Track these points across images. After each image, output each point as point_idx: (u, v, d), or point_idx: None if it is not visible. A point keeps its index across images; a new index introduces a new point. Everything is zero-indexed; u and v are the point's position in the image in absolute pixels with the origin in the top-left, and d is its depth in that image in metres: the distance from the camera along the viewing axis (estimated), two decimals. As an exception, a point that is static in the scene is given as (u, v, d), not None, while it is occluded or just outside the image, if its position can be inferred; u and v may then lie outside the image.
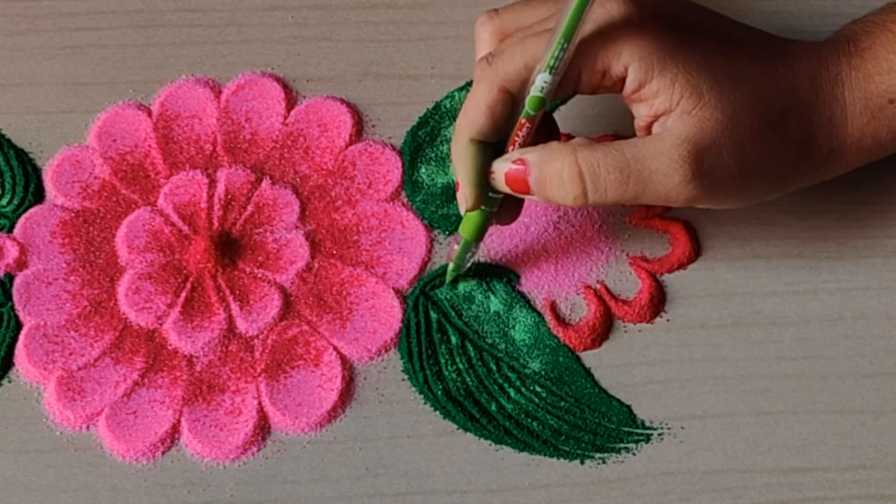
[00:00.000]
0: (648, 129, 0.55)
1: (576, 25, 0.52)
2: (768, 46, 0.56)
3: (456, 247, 0.59)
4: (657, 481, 0.57)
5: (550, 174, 0.54)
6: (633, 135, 0.56)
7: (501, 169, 0.55)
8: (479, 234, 0.58)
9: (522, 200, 0.58)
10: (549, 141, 0.55)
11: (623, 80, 0.54)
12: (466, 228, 0.58)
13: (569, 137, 0.64)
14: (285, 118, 0.65)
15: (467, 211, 0.57)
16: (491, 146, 0.55)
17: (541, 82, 0.53)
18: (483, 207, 0.56)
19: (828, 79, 0.56)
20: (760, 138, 0.54)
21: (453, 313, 0.60)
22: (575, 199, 0.54)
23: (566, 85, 0.54)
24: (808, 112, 0.55)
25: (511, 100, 0.54)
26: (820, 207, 0.62)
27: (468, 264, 0.60)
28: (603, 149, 0.54)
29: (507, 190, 0.55)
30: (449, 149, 0.64)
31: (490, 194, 0.56)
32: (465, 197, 0.56)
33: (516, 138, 0.55)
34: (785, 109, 0.55)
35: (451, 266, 0.60)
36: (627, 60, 0.53)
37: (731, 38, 0.55)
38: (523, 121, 0.54)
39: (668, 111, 0.53)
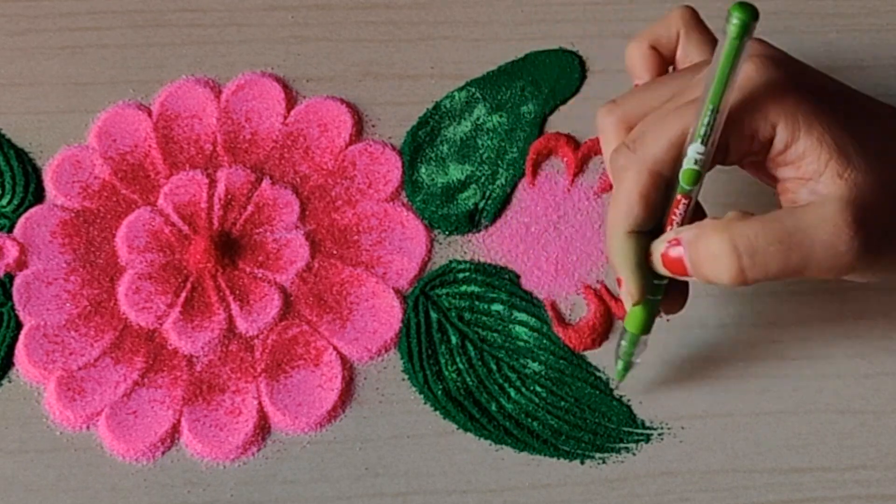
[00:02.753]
0: (794, 199, 0.51)
1: (723, 90, 0.49)
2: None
3: (623, 343, 0.56)
4: (657, 481, 0.57)
5: (704, 252, 0.50)
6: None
7: (658, 250, 0.52)
8: (648, 327, 0.55)
9: (687, 284, 0.55)
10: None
11: (770, 141, 0.51)
12: (633, 323, 0.55)
13: (569, 137, 0.64)
14: (285, 118, 0.65)
15: (634, 304, 0.54)
16: (646, 236, 0.53)
17: (693, 153, 0.50)
18: (648, 297, 0.54)
19: None
20: None
21: (454, 313, 0.60)
22: (732, 277, 0.50)
23: (716, 155, 0.51)
24: None
25: (663, 183, 0.52)
26: (820, 207, 0.62)
27: (637, 359, 0.57)
28: (759, 221, 0.50)
29: (667, 272, 0.52)
30: (449, 148, 0.64)
31: (655, 281, 0.53)
32: (629, 291, 0.53)
33: (673, 217, 0.52)
34: None
35: (619, 365, 0.57)
36: (775, 120, 0.50)
37: (867, 111, 0.53)
38: (679, 197, 0.52)
39: (817, 174, 0.50)
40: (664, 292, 0.54)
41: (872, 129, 0.51)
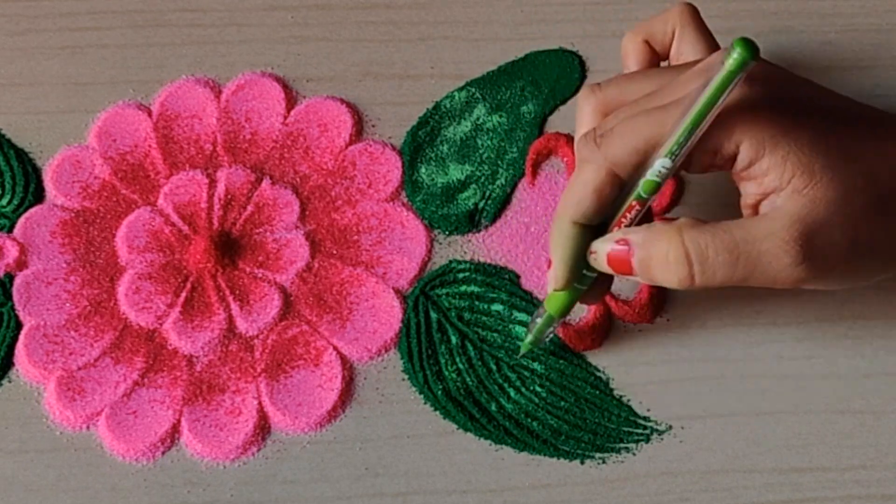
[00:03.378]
0: (755, 208, 0.53)
1: (704, 117, 0.50)
2: (881, 124, 0.54)
3: (538, 320, 0.57)
4: (657, 481, 0.57)
5: (656, 256, 0.52)
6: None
7: (604, 249, 0.53)
8: (565, 312, 0.56)
9: (610, 281, 0.56)
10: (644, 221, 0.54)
11: (734, 158, 0.52)
12: (553, 305, 0.56)
13: (569, 137, 0.64)
14: (285, 118, 0.65)
15: (556, 290, 0.55)
16: (590, 229, 0.54)
17: (659, 167, 0.51)
18: (576, 285, 0.55)
19: None
20: (872, 218, 0.52)
21: (453, 313, 0.60)
22: (681, 282, 0.52)
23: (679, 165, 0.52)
24: None
25: (619, 183, 0.53)
26: (820, 207, 0.62)
27: (547, 338, 0.58)
28: (710, 230, 0.51)
29: (608, 270, 0.54)
30: (449, 148, 0.64)
31: (585, 272, 0.55)
32: (556, 277, 0.55)
33: (623, 220, 0.53)
34: None
35: (529, 338, 0.58)
36: (739, 139, 0.51)
37: (843, 116, 0.53)
38: (633, 203, 0.53)
39: (779, 189, 0.51)
40: (587, 285, 0.56)
41: (844, 135, 0.52)
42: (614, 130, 0.52)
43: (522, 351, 0.59)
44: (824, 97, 0.54)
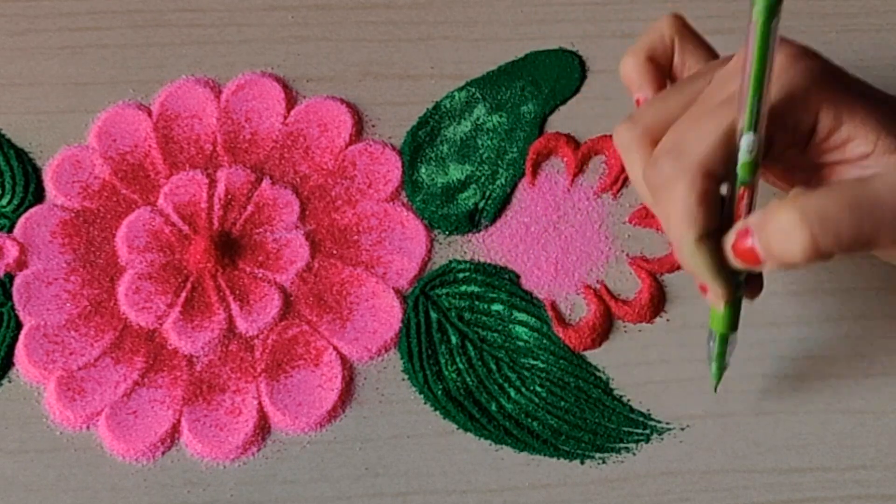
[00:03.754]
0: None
1: (763, 74, 0.48)
2: None
3: (713, 345, 0.55)
4: (657, 481, 0.57)
5: (774, 231, 0.49)
6: None
7: (729, 243, 0.51)
8: (735, 324, 0.54)
9: (761, 275, 0.54)
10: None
11: (813, 130, 0.50)
12: (721, 323, 0.54)
13: (569, 137, 0.64)
14: (285, 118, 0.65)
15: (726, 304, 0.53)
16: (714, 234, 0.51)
17: (746, 144, 0.49)
18: (736, 295, 0.53)
19: None
20: None
21: (454, 313, 0.60)
22: (804, 251, 0.48)
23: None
24: None
25: (717, 182, 0.50)
26: (820, 207, 0.62)
27: (729, 359, 0.56)
28: (827, 190, 0.49)
29: (740, 265, 0.51)
30: (449, 148, 0.64)
31: (738, 278, 0.53)
32: (717, 294, 0.53)
33: (740, 213, 0.51)
34: None
35: (714, 368, 0.56)
36: (816, 108, 0.50)
37: (888, 98, 0.53)
38: (742, 190, 0.51)
39: (865, 155, 0.50)
40: (742, 289, 0.53)
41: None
42: (685, 138, 0.50)
43: (714, 383, 0.57)
44: (874, 88, 0.53)
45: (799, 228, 0.48)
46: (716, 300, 0.53)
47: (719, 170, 0.50)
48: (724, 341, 0.55)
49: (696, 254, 0.51)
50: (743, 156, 0.50)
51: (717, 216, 0.51)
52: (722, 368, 0.56)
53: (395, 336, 0.60)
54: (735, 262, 0.51)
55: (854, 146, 0.50)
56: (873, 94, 0.52)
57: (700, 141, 0.50)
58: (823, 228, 0.48)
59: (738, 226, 0.50)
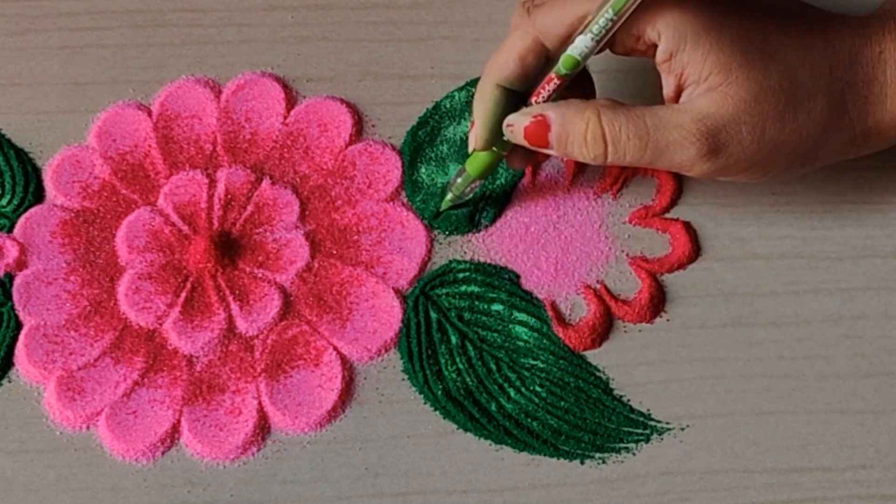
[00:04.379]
0: (676, 98, 0.56)
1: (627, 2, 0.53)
2: (813, 21, 0.56)
3: (459, 180, 0.60)
4: (657, 481, 0.57)
5: (573, 132, 0.55)
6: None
7: (521, 122, 0.56)
8: (484, 173, 0.60)
9: (533, 151, 0.59)
10: (575, 95, 0.57)
11: (655, 46, 0.55)
12: (473, 165, 0.59)
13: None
14: (285, 118, 0.65)
15: (476, 150, 0.58)
16: (514, 94, 0.57)
17: (581, 45, 0.54)
18: (494, 149, 0.58)
19: (870, 57, 0.56)
20: (783, 118, 0.55)
21: (453, 313, 0.60)
22: (595, 159, 0.55)
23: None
24: (843, 90, 0.56)
25: (544, 53, 0.56)
26: (820, 207, 0.62)
27: (466, 198, 0.61)
28: (625, 113, 0.55)
29: (524, 143, 0.57)
30: (449, 148, 0.64)
31: (505, 138, 0.58)
32: (476, 137, 0.58)
33: (542, 91, 0.56)
34: (816, 88, 0.55)
35: (448, 196, 0.61)
36: (661, 29, 0.54)
37: (774, 11, 0.56)
38: (553, 76, 0.56)
39: (696, 83, 0.54)
40: (510, 149, 0.58)
41: (770, 31, 0.55)
42: (547, 2, 0.55)
43: (443, 207, 0.61)
44: None
45: (595, 141, 0.55)
46: (472, 142, 0.58)
47: (551, 45, 0.56)
48: (468, 182, 0.60)
49: (487, 95, 0.57)
50: (571, 50, 0.55)
51: (528, 81, 0.57)
52: (455, 201, 0.61)
53: (395, 336, 0.60)
54: (520, 139, 0.56)
55: (688, 73, 0.55)
56: (754, 17, 0.55)
57: (554, 13, 0.55)
58: (614, 147, 0.55)
59: (535, 109, 0.56)
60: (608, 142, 0.55)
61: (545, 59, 0.56)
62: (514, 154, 0.59)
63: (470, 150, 0.59)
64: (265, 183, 0.63)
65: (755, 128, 0.54)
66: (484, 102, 0.57)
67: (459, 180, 0.60)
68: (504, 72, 0.56)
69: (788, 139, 0.55)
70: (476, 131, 0.58)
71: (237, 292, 0.60)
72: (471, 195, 0.61)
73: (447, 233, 0.62)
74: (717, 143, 0.54)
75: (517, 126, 0.56)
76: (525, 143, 0.57)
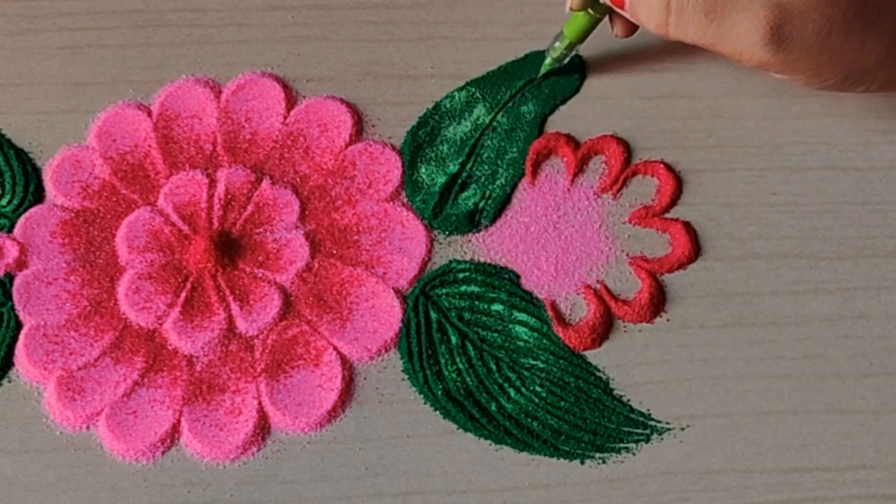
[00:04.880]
0: None
1: None
2: None
3: (557, 43, 0.62)
4: (657, 481, 0.57)
5: None
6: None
7: None
8: (582, 36, 0.61)
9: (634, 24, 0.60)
10: None
11: None
12: (570, 27, 0.61)
13: (569, 137, 0.64)
14: (285, 118, 0.65)
15: (572, 10, 0.59)
16: None
17: None
18: (590, 11, 0.59)
19: None
20: (851, 26, 0.55)
21: (453, 313, 0.60)
22: (657, 27, 0.56)
23: None
24: None
25: None
26: (820, 207, 0.62)
27: (565, 61, 0.63)
28: None
29: (607, 0, 0.58)
30: (449, 148, 0.64)
31: (601, 1, 0.59)
32: None
33: None
34: (886, 8, 0.55)
35: (547, 60, 0.63)
36: None
37: None
38: None
39: None
40: (607, 14, 0.60)
41: None
42: None
43: (543, 70, 0.64)
44: None
45: (659, 8, 0.55)
46: (569, 0, 0.60)
47: None
48: (567, 46, 0.62)
49: None
50: None
51: None
52: (553, 65, 0.64)
53: (395, 336, 0.60)
54: None
55: None
56: None
57: None
58: (678, 19, 0.55)
59: None
60: (672, 10, 0.55)
61: None
62: (615, 19, 0.60)
63: (567, 9, 0.60)
64: (265, 183, 0.63)
65: (821, 28, 0.54)
66: None
67: (557, 44, 0.62)
68: None
69: (851, 49, 0.55)
70: None
71: (237, 292, 0.60)
72: (567, 60, 0.63)
73: (447, 233, 0.62)
74: (783, 33, 0.54)
75: None
76: (607, 1, 0.58)
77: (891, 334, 0.60)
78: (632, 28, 0.61)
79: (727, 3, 0.54)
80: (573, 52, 0.63)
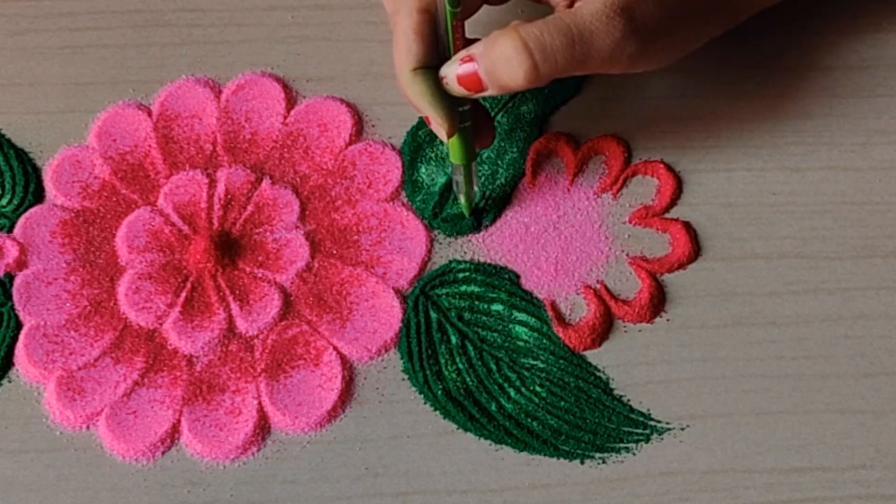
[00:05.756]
0: (571, 4, 0.58)
1: None
2: None
3: (457, 178, 0.60)
4: (657, 481, 0.57)
5: (497, 58, 0.55)
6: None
7: (452, 71, 0.57)
8: (471, 153, 0.59)
9: (491, 118, 0.61)
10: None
11: None
12: (456, 154, 0.59)
13: (569, 137, 0.64)
14: (285, 118, 0.65)
15: (449, 136, 0.58)
16: (434, 70, 0.57)
17: None
18: (458, 125, 0.58)
19: None
20: None
21: (453, 313, 0.60)
22: (526, 75, 0.55)
23: None
24: None
25: (432, 19, 0.57)
26: (820, 207, 0.62)
27: (475, 189, 0.61)
28: (543, 21, 0.56)
29: (463, 92, 0.57)
30: (449, 148, 0.64)
31: (460, 109, 0.58)
32: (439, 124, 0.57)
33: (458, 42, 0.57)
34: None
35: (462, 200, 0.61)
36: None
37: None
38: (455, 23, 0.56)
39: None
40: (471, 120, 0.59)
41: None
42: None
43: (466, 212, 0.62)
44: None
45: (520, 55, 0.55)
46: (438, 130, 0.58)
47: (433, 7, 0.56)
48: (465, 171, 0.60)
49: (414, 83, 0.57)
50: None
51: (435, 52, 0.57)
52: (470, 197, 0.61)
53: (395, 336, 0.60)
54: (458, 90, 0.57)
55: None
56: None
57: None
58: (542, 55, 0.55)
59: (461, 54, 0.56)
60: (534, 50, 0.55)
61: (433, 24, 0.57)
62: (478, 126, 0.59)
63: (445, 141, 0.59)
64: (265, 183, 0.63)
65: (661, 3, 0.57)
66: (417, 90, 0.57)
67: (458, 178, 0.60)
68: (412, 55, 0.57)
69: (692, 8, 0.58)
70: (436, 121, 0.58)
71: (237, 292, 0.60)
72: (478, 186, 0.62)
73: (447, 234, 0.62)
74: (634, 20, 0.56)
75: (450, 76, 0.57)
76: (462, 91, 0.57)
77: (891, 334, 0.60)
78: (491, 134, 0.61)
79: (576, 19, 0.56)
80: (475, 175, 0.61)
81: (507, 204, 0.63)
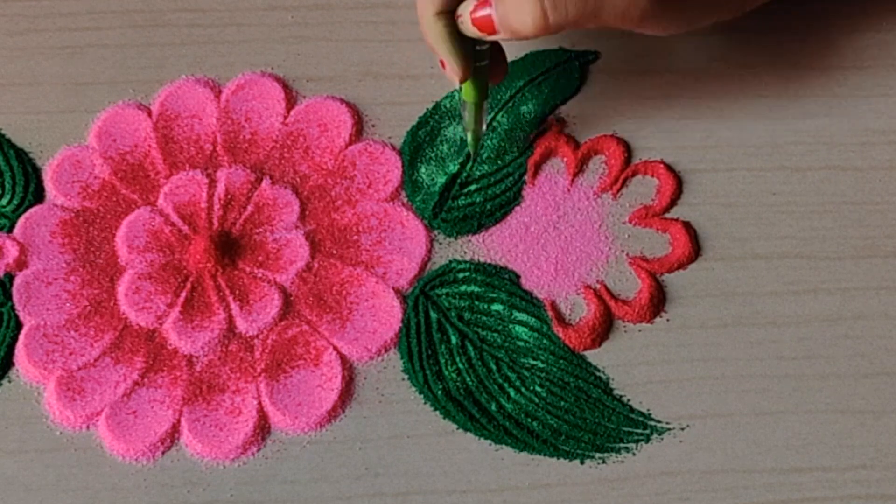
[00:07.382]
0: None
1: None
2: None
3: (466, 115, 0.61)
4: (657, 481, 0.57)
5: (510, 3, 0.55)
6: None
7: (467, 11, 0.57)
8: (483, 92, 0.60)
9: (503, 53, 0.60)
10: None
11: None
12: (469, 91, 0.60)
13: (569, 137, 0.64)
14: (285, 118, 0.65)
15: (461, 81, 0.58)
16: (453, 14, 0.57)
17: None
18: (474, 64, 0.58)
19: None
20: None
21: (453, 313, 0.60)
22: (535, 22, 0.55)
23: None
24: None
25: None
26: (820, 207, 0.62)
27: (484, 128, 0.61)
28: None
29: (476, 33, 0.57)
30: (449, 148, 0.64)
31: (476, 48, 0.58)
32: (454, 70, 0.58)
33: None
34: None
35: (469, 137, 0.62)
36: None
37: None
38: None
39: None
40: (488, 59, 0.59)
41: None
42: None
43: (472, 150, 0.62)
44: None
45: (532, 2, 0.55)
46: (452, 74, 0.58)
47: None
48: (475, 110, 0.60)
49: (435, 27, 0.57)
50: None
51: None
52: (477, 136, 0.62)
53: (395, 336, 0.60)
54: (471, 30, 0.57)
55: None
56: None
57: None
58: (553, 3, 0.55)
59: None
60: None
61: None
62: (493, 64, 0.60)
63: (456, 85, 0.59)
64: (265, 183, 0.63)
65: None
66: (437, 35, 0.57)
67: (467, 115, 0.61)
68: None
69: None
70: (451, 66, 0.58)
71: (237, 292, 0.61)
72: (487, 125, 0.62)
73: (447, 234, 0.62)
74: None
75: (465, 16, 0.57)
76: (476, 33, 0.57)
77: (891, 334, 0.60)
78: (503, 71, 0.61)
79: None
80: (487, 112, 0.61)
81: (507, 204, 0.63)
